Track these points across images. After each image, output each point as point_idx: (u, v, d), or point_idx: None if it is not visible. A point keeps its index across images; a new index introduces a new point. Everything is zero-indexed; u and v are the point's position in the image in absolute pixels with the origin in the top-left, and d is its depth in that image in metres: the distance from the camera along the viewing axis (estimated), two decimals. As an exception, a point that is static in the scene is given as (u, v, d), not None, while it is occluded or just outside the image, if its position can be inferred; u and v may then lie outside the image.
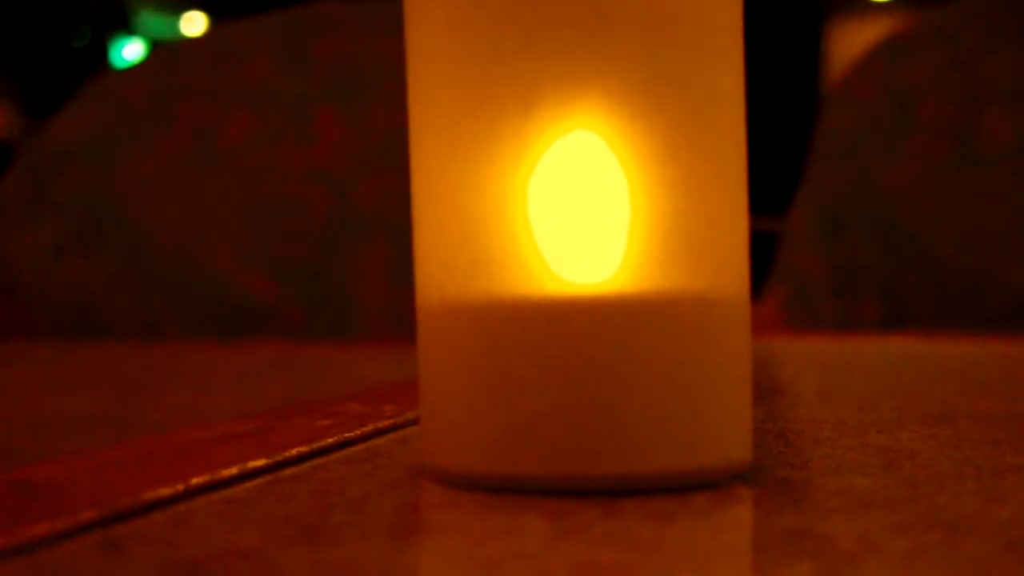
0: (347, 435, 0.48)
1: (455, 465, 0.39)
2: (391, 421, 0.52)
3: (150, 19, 5.91)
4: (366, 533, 0.33)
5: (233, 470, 0.40)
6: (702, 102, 0.38)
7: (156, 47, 5.42)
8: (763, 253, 1.27)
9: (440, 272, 0.39)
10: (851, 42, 4.81)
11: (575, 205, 0.37)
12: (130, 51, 5.79)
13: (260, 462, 0.42)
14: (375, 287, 1.34)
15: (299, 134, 1.40)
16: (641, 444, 0.37)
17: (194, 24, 5.90)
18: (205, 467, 0.40)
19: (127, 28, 5.85)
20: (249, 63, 1.45)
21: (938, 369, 0.83)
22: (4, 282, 1.40)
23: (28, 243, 1.40)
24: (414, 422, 0.51)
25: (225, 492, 0.38)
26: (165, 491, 0.37)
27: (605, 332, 0.37)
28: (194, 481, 0.38)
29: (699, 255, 0.38)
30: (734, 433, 0.39)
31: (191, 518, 0.35)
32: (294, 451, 0.44)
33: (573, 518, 0.34)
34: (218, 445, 0.46)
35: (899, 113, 1.35)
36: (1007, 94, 1.32)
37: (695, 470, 0.38)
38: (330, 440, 0.46)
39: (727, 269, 0.39)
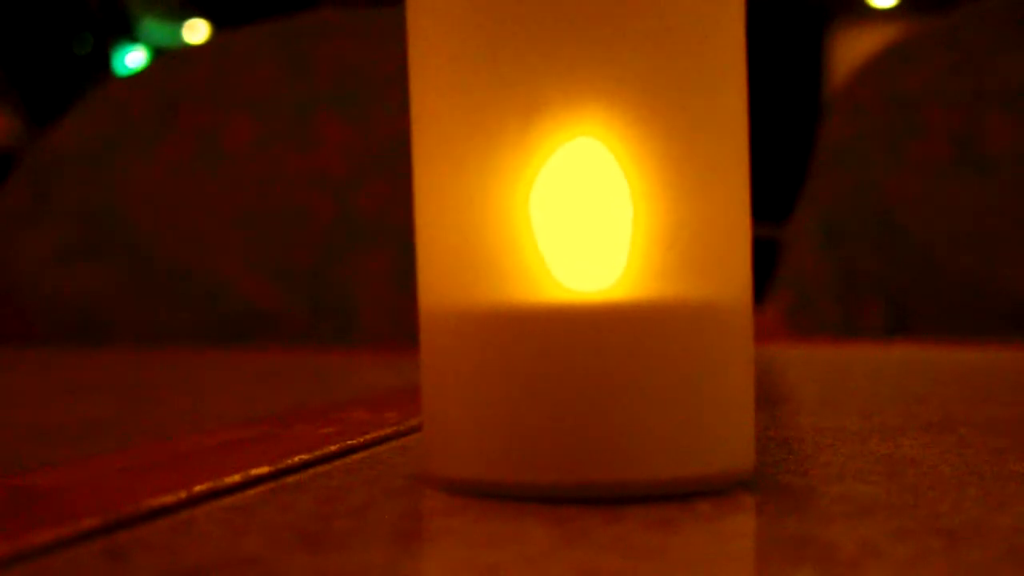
0: (350, 442, 0.48)
1: (457, 472, 0.39)
2: (393, 428, 0.52)
3: (153, 26, 5.91)
4: (368, 540, 0.33)
5: (236, 477, 0.40)
6: (704, 109, 0.38)
7: (159, 54, 5.42)
8: (765, 260, 1.27)
9: (442, 278, 0.39)
10: (853, 48, 4.81)
11: (578, 212, 0.37)
12: (133, 58, 5.80)
13: (263, 469, 0.42)
14: (377, 293, 1.35)
15: (301, 140, 1.41)
16: (643, 451, 0.37)
17: (196, 31, 5.91)
18: (208, 474, 0.40)
19: (130, 35, 5.85)
20: (251, 70, 1.45)
21: (940, 375, 0.83)
22: (6, 288, 1.40)
23: (31, 249, 1.40)
24: (416, 429, 0.51)
25: (228, 499, 0.38)
26: (168, 498, 0.37)
27: (608, 339, 0.37)
28: (197, 488, 0.38)
29: (701, 262, 0.38)
30: (736, 440, 0.39)
31: (194, 525, 0.35)
32: (297, 458, 0.44)
33: (575, 525, 0.34)
34: (221, 452, 0.46)
35: (901, 119, 1.35)
36: (1009, 99, 1.32)
37: (698, 477, 0.38)
38: (333, 447, 0.47)
39: (729, 276, 0.39)
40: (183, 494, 0.38)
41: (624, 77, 0.37)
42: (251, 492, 0.40)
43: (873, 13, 5.31)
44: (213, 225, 1.39)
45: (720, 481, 0.38)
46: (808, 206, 1.37)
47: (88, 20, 5.67)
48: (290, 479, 0.42)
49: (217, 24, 5.69)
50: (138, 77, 1.59)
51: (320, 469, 0.43)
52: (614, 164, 0.37)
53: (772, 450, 0.46)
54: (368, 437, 0.49)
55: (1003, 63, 1.33)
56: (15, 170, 1.48)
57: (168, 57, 1.92)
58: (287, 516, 0.36)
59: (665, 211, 0.37)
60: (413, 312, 0.41)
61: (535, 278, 0.37)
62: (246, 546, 0.33)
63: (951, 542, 0.32)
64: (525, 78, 0.37)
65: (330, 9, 1.50)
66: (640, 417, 0.37)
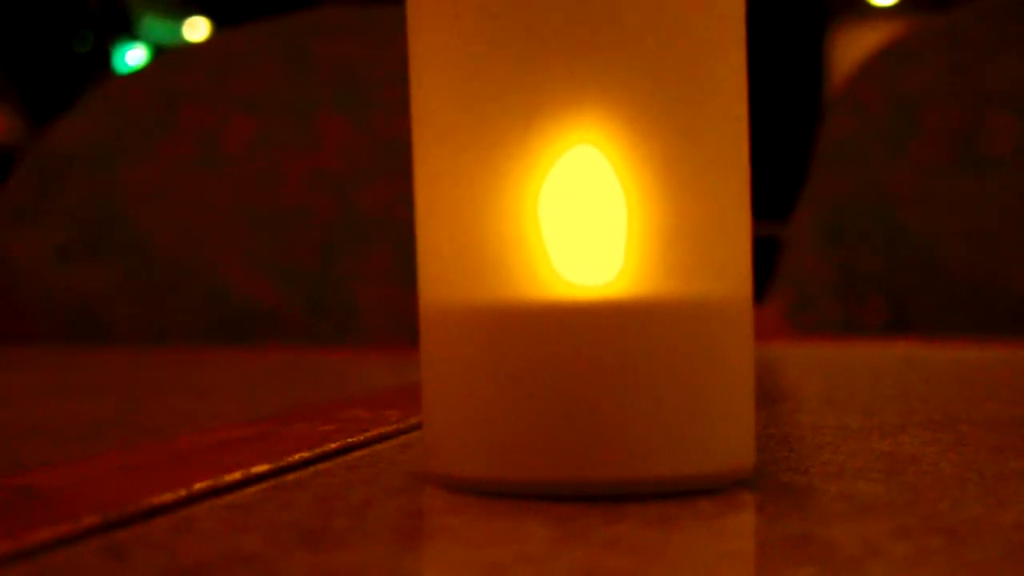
0: (350, 440, 0.48)
1: (458, 470, 0.39)
2: (394, 426, 0.52)
3: (153, 24, 5.91)
4: (369, 538, 0.33)
5: (236, 475, 0.40)
6: (706, 106, 0.38)
7: (159, 52, 5.42)
8: (766, 258, 1.27)
9: (442, 276, 0.39)
10: (854, 47, 4.81)
11: (578, 207, 0.37)
12: (133, 56, 5.80)
13: (263, 467, 0.42)
14: (378, 291, 1.35)
15: (302, 139, 1.41)
16: (644, 449, 0.37)
17: (197, 29, 5.91)
18: (208, 472, 0.40)
19: (130, 33, 5.85)
20: (252, 68, 1.45)
21: (941, 374, 0.83)
22: (7, 287, 1.40)
23: (31, 248, 1.40)
24: (417, 427, 0.51)
25: (228, 497, 0.38)
26: (168, 496, 0.37)
27: (608, 337, 0.37)
28: (197, 486, 0.38)
29: (702, 259, 0.38)
30: (737, 438, 0.39)
31: (194, 523, 0.35)
32: (297, 456, 0.44)
33: (576, 523, 0.34)
34: (221, 450, 0.46)
35: (902, 117, 1.35)
36: (1010, 98, 1.32)
37: (698, 475, 0.38)
38: (333, 445, 0.47)
39: (730, 273, 0.39)
40: (183, 492, 0.38)
41: (626, 72, 0.37)
42: (251, 490, 0.40)
43: (873, 12, 5.31)
44: (213, 224, 1.39)
45: (720, 479, 0.38)
46: (809, 204, 1.37)
47: (88, 18, 5.67)
48: (290, 477, 0.42)
49: (217, 22, 5.69)
50: (138, 75, 1.59)
51: (320, 467, 0.43)
52: (615, 159, 0.37)
53: (772, 448, 0.46)
54: (368, 435, 0.49)
55: (1003, 61, 1.33)
56: (15, 169, 1.48)
57: (168, 55, 1.92)
58: (287, 514, 0.36)
59: (666, 207, 0.37)
60: (413, 311, 0.41)
61: (534, 275, 0.37)
62: (246, 544, 0.33)
63: (951, 540, 0.32)
64: (526, 75, 0.37)
65: (331, 7, 1.50)
66: (640, 415, 0.37)
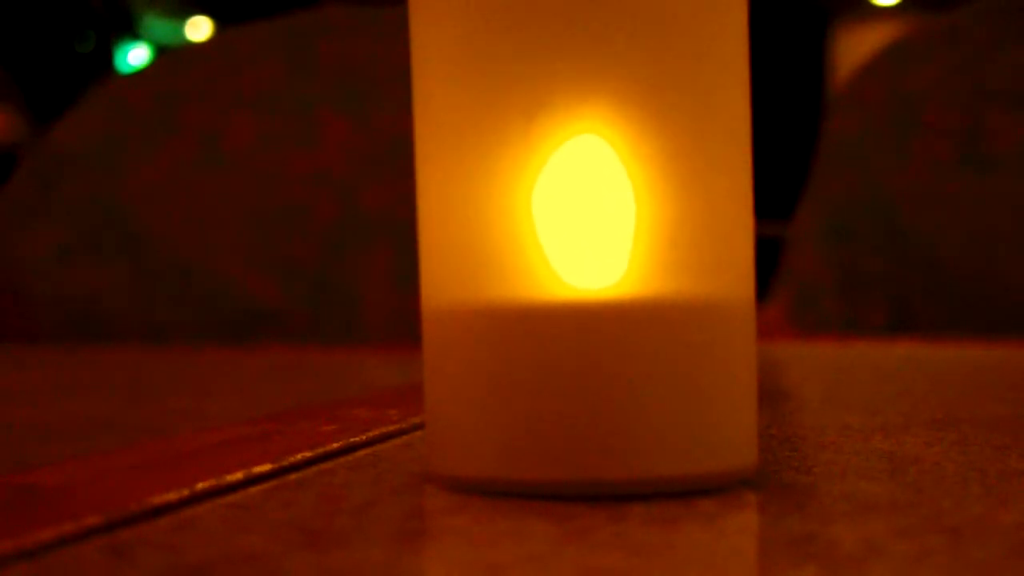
0: (352, 440, 0.48)
1: (460, 470, 0.39)
2: (396, 426, 0.52)
3: (155, 24, 5.91)
4: (371, 538, 0.33)
5: (238, 475, 0.40)
6: (707, 107, 0.38)
7: (161, 52, 5.43)
8: (768, 257, 1.27)
9: (445, 276, 0.39)
10: (857, 46, 4.81)
11: (580, 209, 0.37)
12: (135, 56, 5.80)
13: (265, 467, 0.42)
14: (380, 291, 1.35)
15: (304, 138, 1.41)
16: (646, 449, 0.37)
17: (199, 29, 5.91)
18: (210, 472, 0.40)
19: (132, 33, 5.85)
20: (254, 68, 1.45)
21: (943, 373, 0.83)
22: (10, 285, 1.40)
23: (33, 247, 1.40)
24: (419, 427, 0.51)
25: (230, 497, 0.38)
26: (170, 496, 0.37)
27: (610, 337, 0.37)
28: (199, 486, 0.38)
29: (704, 259, 0.38)
30: (739, 438, 0.39)
31: (196, 523, 0.35)
32: (299, 456, 0.44)
33: (579, 523, 0.34)
34: (223, 450, 0.46)
35: (905, 117, 1.35)
36: (1012, 97, 1.32)
37: (700, 475, 0.38)
38: (335, 445, 0.47)
39: (732, 273, 0.39)
40: (185, 492, 0.38)
41: (627, 75, 0.37)
42: (253, 490, 0.40)
43: (876, 11, 5.31)
44: (216, 223, 1.39)
45: (723, 479, 0.38)
46: (811, 204, 1.37)
47: (91, 18, 5.68)
48: (292, 477, 0.42)
49: (220, 21, 5.70)
50: (141, 75, 1.59)
51: (322, 467, 0.43)
52: (617, 162, 0.37)
53: (775, 448, 0.46)
54: (370, 434, 0.49)
55: (1005, 61, 1.33)
56: (18, 168, 1.48)
57: (171, 55, 1.92)
58: (289, 513, 0.36)
59: (668, 208, 0.37)
60: (416, 310, 0.41)
61: (538, 276, 0.37)
62: (248, 543, 0.33)
63: (954, 539, 0.32)
64: (528, 75, 0.37)
65: (333, 7, 1.50)
66: (642, 415, 0.37)
